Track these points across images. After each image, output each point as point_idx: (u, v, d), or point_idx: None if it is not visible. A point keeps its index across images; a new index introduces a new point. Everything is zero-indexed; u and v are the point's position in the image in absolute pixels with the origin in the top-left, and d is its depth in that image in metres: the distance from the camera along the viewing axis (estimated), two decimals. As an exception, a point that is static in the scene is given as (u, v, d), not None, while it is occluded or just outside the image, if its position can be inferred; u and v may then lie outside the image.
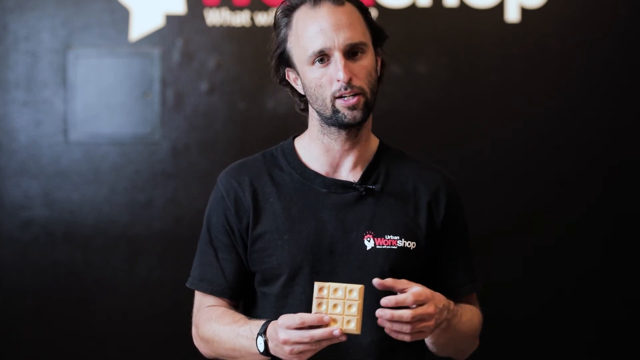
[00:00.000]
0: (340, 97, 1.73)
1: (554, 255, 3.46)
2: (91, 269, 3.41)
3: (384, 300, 1.60)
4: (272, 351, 1.68)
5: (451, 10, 3.40)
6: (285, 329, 1.61)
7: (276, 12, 1.81)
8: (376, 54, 1.81)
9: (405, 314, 1.61)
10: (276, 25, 1.81)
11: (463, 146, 3.43)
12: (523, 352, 3.46)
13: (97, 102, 3.40)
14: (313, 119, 1.83)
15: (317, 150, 1.83)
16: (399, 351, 1.79)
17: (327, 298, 1.60)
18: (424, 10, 3.40)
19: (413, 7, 3.40)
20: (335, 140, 1.80)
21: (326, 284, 1.61)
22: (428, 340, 1.79)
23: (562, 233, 3.46)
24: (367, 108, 1.76)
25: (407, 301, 1.61)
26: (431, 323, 1.64)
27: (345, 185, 1.81)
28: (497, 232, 3.44)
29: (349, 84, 1.72)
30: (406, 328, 1.62)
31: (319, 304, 1.60)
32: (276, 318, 1.66)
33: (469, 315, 1.84)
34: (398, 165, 1.86)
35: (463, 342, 1.85)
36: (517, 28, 3.42)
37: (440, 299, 1.69)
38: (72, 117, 3.39)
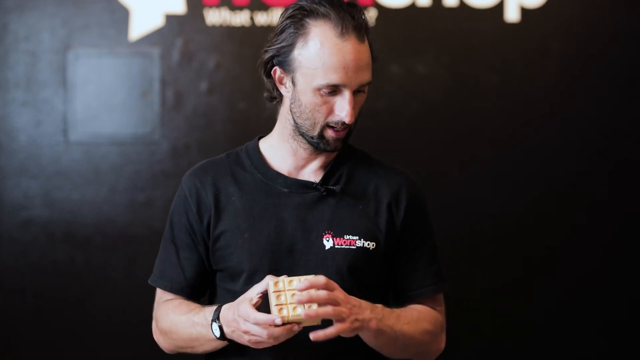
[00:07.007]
0: (332, 127, 1.75)
1: (555, 256, 3.46)
2: (91, 269, 3.41)
3: (300, 285, 1.61)
4: (228, 336, 1.70)
5: (451, 10, 3.40)
6: (245, 321, 1.63)
7: (291, 9, 1.76)
8: None
9: (322, 293, 1.61)
10: (287, 22, 1.75)
11: (463, 146, 3.43)
12: (525, 352, 3.46)
13: (97, 102, 3.40)
14: (287, 122, 1.83)
15: (284, 151, 1.84)
16: (350, 347, 1.77)
17: (284, 290, 1.62)
18: (424, 10, 3.40)
19: (413, 7, 3.40)
20: (303, 149, 1.82)
21: (280, 278, 1.63)
22: (370, 343, 1.77)
23: (563, 233, 3.46)
24: (347, 137, 1.80)
25: (320, 280, 1.62)
26: (345, 310, 1.63)
27: (307, 185, 1.81)
28: (497, 232, 3.44)
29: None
30: (329, 308, 1.61)
31: (278, 296, 1.62)
32: None
33: (414, 317, 1.80)
34: (361, 167, 1.86)
35: (411, 346, 1.80)
36: (517, 28, 3.42)
37: (356, 299, 1.68)
38: (72, 117, 3.39)
